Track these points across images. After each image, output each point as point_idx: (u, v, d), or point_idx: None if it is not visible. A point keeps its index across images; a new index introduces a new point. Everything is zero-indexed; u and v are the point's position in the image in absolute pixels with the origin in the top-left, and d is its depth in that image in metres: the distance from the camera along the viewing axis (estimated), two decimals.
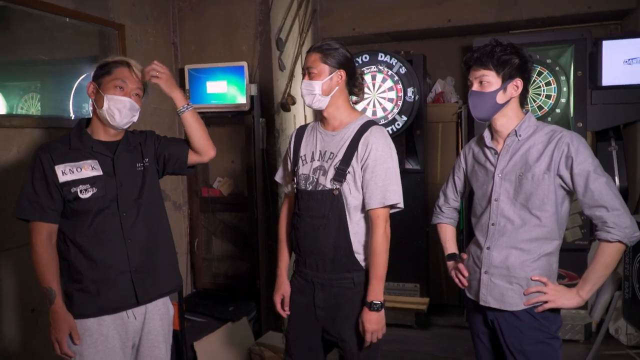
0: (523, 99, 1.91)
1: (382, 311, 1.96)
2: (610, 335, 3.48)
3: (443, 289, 4.37)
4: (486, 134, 1.97)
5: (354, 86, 2.08)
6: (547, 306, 1.82)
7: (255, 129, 3.46)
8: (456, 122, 4.32)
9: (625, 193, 3.57)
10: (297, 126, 2.38)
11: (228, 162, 3.86)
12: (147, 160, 2.01)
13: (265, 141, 3.58)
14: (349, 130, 2.02)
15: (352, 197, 1.98)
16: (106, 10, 3.11)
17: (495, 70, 1.83)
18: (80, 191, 1.83)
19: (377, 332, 1.96)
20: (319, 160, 2.04)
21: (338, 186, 1.97)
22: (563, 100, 3.53)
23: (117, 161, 1.93)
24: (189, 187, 3.82)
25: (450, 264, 2.15)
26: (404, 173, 3.98)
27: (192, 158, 2.09)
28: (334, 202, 1.97)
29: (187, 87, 3.54)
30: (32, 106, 2.84)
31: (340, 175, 1.96)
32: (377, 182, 1.95)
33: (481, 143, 2.00)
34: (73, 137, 1.90)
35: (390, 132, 3.89)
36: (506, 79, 1.83)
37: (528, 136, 1.87)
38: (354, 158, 1.97)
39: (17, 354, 2.54)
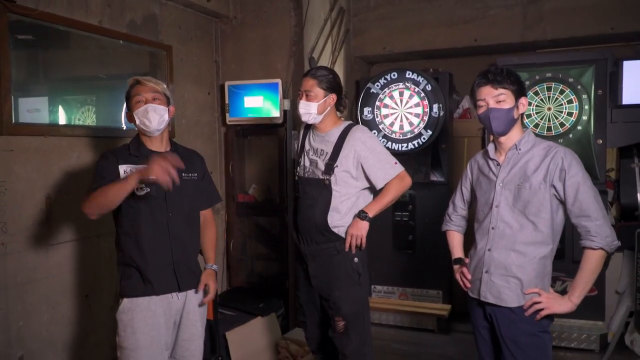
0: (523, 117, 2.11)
1: (367, 223, 2.42)
2: (625, 346, 3.56)
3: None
4: (490, 148, 2.18)
5: (341, 104, 2.56)
6: (543, 313, 1.99)
7: (287, 141, 3.74)
8: (481, 137, 4.47)
9: None
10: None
11: (262, 170, 4.15)
12: (196, 175, 2.30)
13: (296, 152, 3.85)
14: (334, 133, 2.49)
15: (337, 187, 2.43)
16: (156, 34, 3.44)
17: (510, 88, 2.03)
18: (137, 189, 2.09)
19: (357, 237, 2.41)
20: (314, 155, 2.51)
21: (327, 177, 2.42)
22: (585, 117, 3.62)
23: None
24: (227, 193, 4.11)
25: (456, 267, 2.35)
26: (430, 184, 4.24)
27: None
28: (324, 189, 2.43)
29: (227, 101, 3.87)
30: (88, 117, 3.16)
31: (329, 168, 2.43)
32: (377, 165, 2.43)
33: (486, 155, 2.20)
34: (132, 146, 2.21)
35: (416, 145, 4.07)
36: (518, 97, 2.05)
37: (527, 150, 2.06)
38: (341, 155, 2.42)
39: (73, 334, 2.86)
